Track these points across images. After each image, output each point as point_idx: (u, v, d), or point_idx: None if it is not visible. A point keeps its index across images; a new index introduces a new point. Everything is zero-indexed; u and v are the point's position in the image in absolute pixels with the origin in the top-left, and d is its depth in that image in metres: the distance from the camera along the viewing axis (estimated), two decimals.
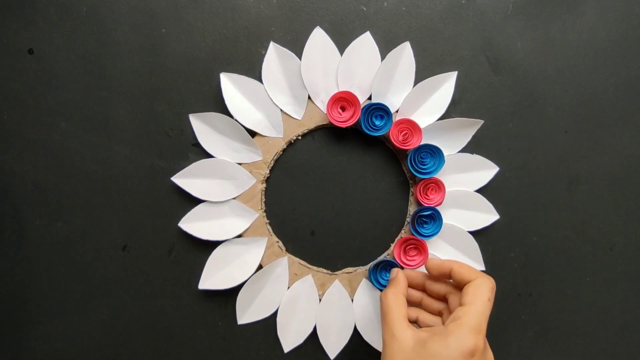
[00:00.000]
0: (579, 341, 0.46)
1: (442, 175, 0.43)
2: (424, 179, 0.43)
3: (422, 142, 0.42)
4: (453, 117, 0.43)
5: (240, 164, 0.42)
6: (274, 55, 0.41)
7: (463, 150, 0.44)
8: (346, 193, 0.44)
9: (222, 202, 0.42)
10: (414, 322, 0.40)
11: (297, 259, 0.44)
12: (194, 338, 0.44)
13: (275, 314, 0.43)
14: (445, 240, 0.44)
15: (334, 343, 0.44)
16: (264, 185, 0.43)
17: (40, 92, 0.42)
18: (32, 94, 0.42)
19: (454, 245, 0.44)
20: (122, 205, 0.43)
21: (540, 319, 0.46)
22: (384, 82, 0.42)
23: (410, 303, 0.40)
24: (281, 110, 0.42)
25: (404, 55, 0.42)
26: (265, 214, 0.43)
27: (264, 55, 0.41)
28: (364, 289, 0.44)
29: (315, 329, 0.43)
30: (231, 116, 0.41)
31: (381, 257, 0.44)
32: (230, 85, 0.41)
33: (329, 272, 0.44)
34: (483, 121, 0.43)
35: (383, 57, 0.42)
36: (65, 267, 0.43)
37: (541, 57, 0.44)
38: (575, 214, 0.45)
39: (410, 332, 0.34)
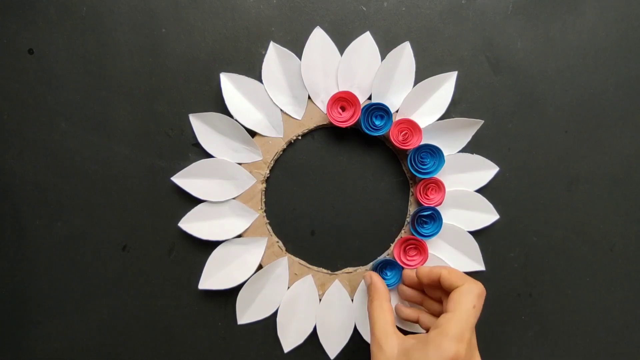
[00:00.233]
0: (579, 341, 0.46)
1: (442, 175, 0.43)
2: (424, 179, 0.43)
3: (422, 142, 0.42)
4: (453, 117, 0.43)
5: (240, 164, 0.42)
6: (274, 55, 0.41)
7: (463, 150, 0.44)
8: (346, 193, 0.44)
9: (222, 202, 0.42)
10: (416, 322, 0.40)
11: (297, 259, 0.44)
12: (194, 338, 0.44)
13: (275, 314, 0.43)
14: (445, 240, 0.44)
15: (334, 343, 0.44)
16: (264, 185, 0.43)
17: (40, 92, 0.42)
18: (32, 94, 0.42)
19: (454, 245, 0.44)
20: (122, 205, 0.43)
21: (540, 319, 0.46)
22: (384, 82, 0.42)
23: (412, 302, 0.41)
24: (281, 110, 0.42)
25: (404, 55, 0.42)
26: (265, 214, 0.43)
27: (264, 55, 0.41)
28: (364, 288, 0.44)
29: (315, 329, 0.43)
30: (231, 116, 0.41)
31: (381, 257, 0.44)
32: (230, 85, 0.41)
33: (329, 272, 0.44)
34: (483, 121, 0.43)
35: (383, 57, 0.42)
36: (65, 267, 0.43)
37: (541, 57, 0.44)
38: (575, 214, 0.45)
39: (396, 340, 0.34)
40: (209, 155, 0.42)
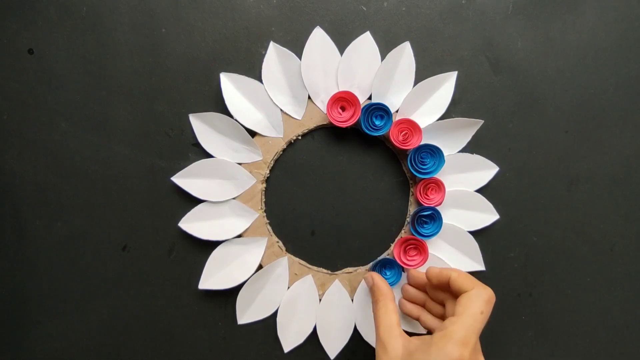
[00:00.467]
0: (579, 341, 0.46)
1: (442, 175, 0.43)
2: (424, 179, 0.43)
3: (422, 142, 0.42)
4: (453, 117, 0.43)
5: (240, 164, 0.42)
6: (274, 55, 0.41)
7: (463, 150, 0.44)
8: (346, 193, 0.44)
9: (222, 202, 0.42)
10: (416, 320, 0.40)
11: (297, 259, 0.44)
12: (194, 338, 0.44)
13: (275, 314, 0.43)
14: (445, 240, 0.44)
15: (334, 343, 0.44)
16: (264, 185, 0.43)
17: (40, 92, 0.42)
18: (32, 94, 0.42)
19: (454, 245, 0.44)
20: (122, 205, 0.43)
21: (540, 319, 0.46)
22: (384, 82, 0.42)
23: (414, 303, 0.41)
24: (281, 110, 0.42)
25: (404, 55, 0.42)
26: (265, 214, 0.43)
27: (264, 55, 0.41)
28: (364, 289, 0.44)
29: (315, 329, 0.43)
30: (231, 116, 0.41)
31: (381, 257, 0.44)
32: (230, 85, 0.41)
33: (329, 272, 0.44)
34: (483, 121, 0.43)
35: (383, 57, 0.42)
36: (65, 267, 0.43)
37: (541, 57, 0.44)
38: (575, 214, 0.45)
39: (401, 341, 0.34)
40: (209, 155, 0.42)
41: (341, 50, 0.42)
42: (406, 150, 0.43)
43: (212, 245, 0.42)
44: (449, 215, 0.44)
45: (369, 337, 0.43)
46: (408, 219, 0.44)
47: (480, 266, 0.44)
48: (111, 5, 0.41)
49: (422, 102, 0.43)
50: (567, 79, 0.44)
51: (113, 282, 0.43)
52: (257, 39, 0.42)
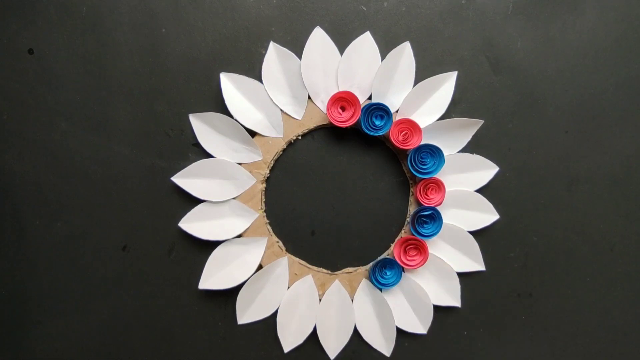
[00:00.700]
0: (579, 341, 0.46)
1: (442, 175, 0.43)
2: (424, 179, 0.43)
3: (422, 142, 0.42)
4: (453, 117, 0.43)
5: (240, 164, 0.42)
6: (274, 55, 0.41)
7: (463, 150, 0.44)
8: (346, 193, 0.44)
9: (222, 202, 0.42)
10: None
11: (297, 259, 0.44)
12: (194, 338, 0.44)
13: (275, 314, 0.43)
14: (445, 240, 0.44)
15: (334, 343, 0.44)
16: (264, 185, 0.43)
17: (40, 92, 0.42)
18: (32, 94, 0.42)
19: (454, 245, 0.44)
20: (122, 205, 0.43)
21: (540, 319, 0.46)
22: (384, 82, 0.42)
23: None
24: (281, 110, 0.42)
25: (404, 55, 0.42)
26: (265, 214, 0.43)
27: (264, 55, 0.41)
28: (364, 289, 0.44)
29: (315, 329, 0.43)
30: (231, 116, 0.41)
31: (381, 257, 0.44)
32: (230, 85, 0.41)
33: (329, 272, 0.44)
34: (483, 121, 0.43)
35: (383, 57, 0.42)
36: (65, 267, 0.43)
37: (541, 57, 0.44)
38: (575, 214, 0.45)
39: None
40: (209, 155, 0.42)
41: (341, 50, 0.42)
42: (406, 150, 0.43)
43: (212, 245, 0.42)
44: (449, 215, 0.44)
45: (369, 337, 0.44)
46: (408, 219, 0.44)
47: (480, 266, 0.44)
48: (111, 5, 0.41)
49: (422, 102, 0.43)
50: (567, 79, 0.44)
51: (113, 282, 0.43)
52: (257, 39, 0.42)
